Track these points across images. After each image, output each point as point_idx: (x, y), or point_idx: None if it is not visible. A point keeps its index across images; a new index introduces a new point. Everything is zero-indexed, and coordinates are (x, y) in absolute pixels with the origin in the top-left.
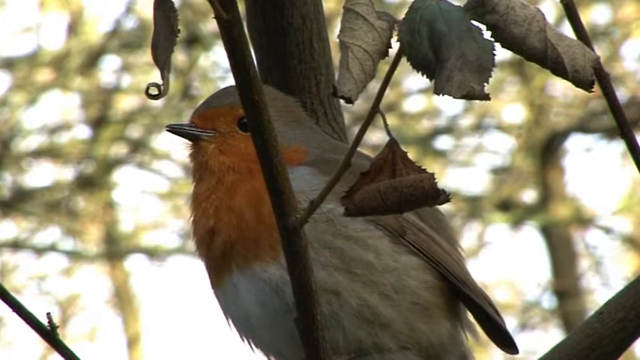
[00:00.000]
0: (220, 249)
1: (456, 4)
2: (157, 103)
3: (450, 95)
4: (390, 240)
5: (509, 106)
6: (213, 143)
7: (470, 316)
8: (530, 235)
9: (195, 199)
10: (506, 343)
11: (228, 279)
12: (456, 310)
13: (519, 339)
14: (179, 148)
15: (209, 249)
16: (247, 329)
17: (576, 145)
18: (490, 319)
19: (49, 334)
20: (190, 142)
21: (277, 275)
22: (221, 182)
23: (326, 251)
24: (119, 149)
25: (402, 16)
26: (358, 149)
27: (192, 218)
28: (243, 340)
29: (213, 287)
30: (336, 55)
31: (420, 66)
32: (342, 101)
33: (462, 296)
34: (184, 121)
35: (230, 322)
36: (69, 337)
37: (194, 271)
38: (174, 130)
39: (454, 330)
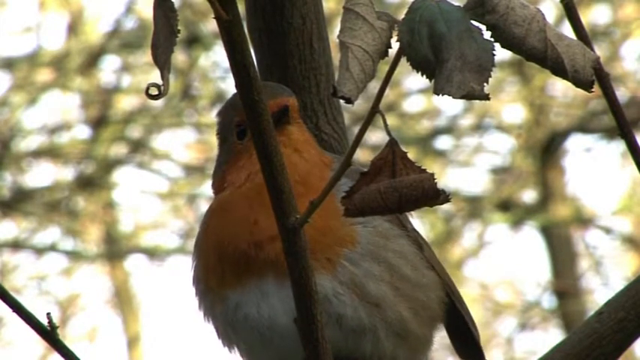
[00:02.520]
0: (263, 253)
1: (456, 4)
2: (157, 103)
3: (450, 95)
4: (421, 256)
5: (509, 106)
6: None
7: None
8: (530, 235)
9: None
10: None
11: (254, 283)
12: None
13: (519, 339)
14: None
15: (244, 250)
16: (261, 335)
17: (576, 145)
18: (466, 331)
19: (49, 334)
20: None
21: (329, 287)
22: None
23: (377, 265)
24: (119, 149)
25: (402, 16)
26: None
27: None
28: (237, 343)
29: (219, 285)
30: (336, 55)
31: (420, 66)
32: (342, 101)
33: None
34: None
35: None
36: (69, 337)
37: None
38: None
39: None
